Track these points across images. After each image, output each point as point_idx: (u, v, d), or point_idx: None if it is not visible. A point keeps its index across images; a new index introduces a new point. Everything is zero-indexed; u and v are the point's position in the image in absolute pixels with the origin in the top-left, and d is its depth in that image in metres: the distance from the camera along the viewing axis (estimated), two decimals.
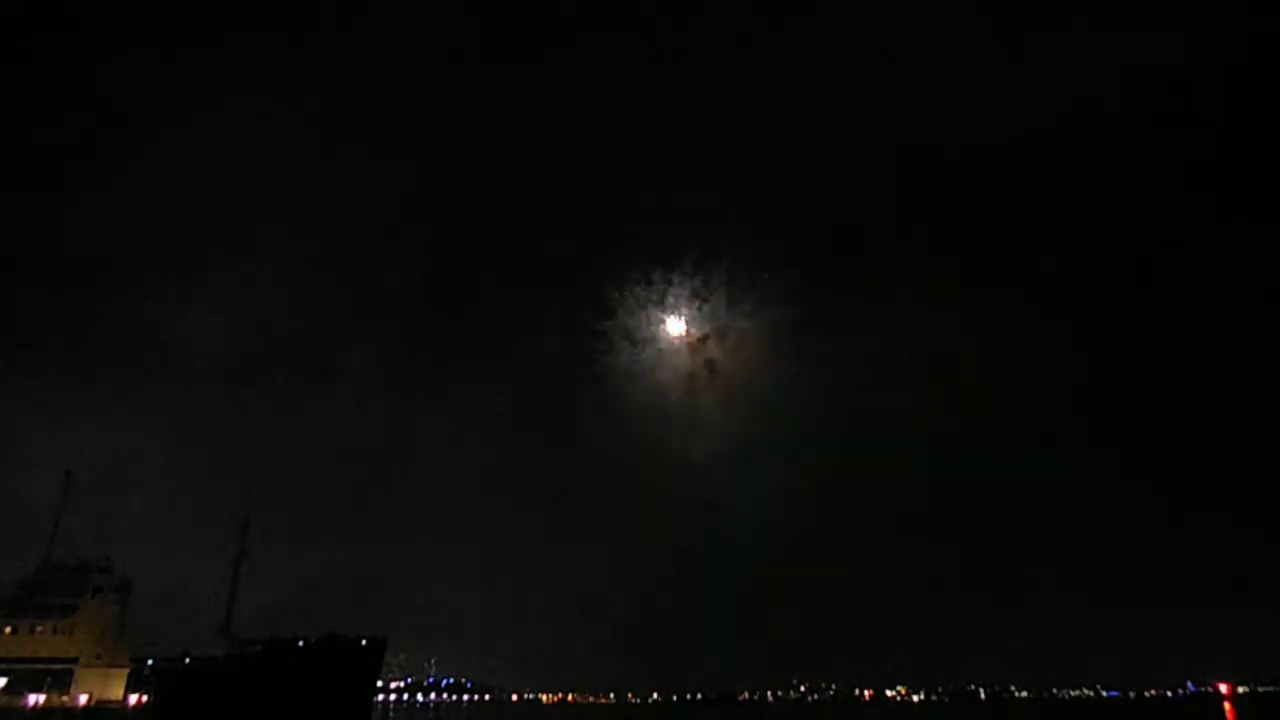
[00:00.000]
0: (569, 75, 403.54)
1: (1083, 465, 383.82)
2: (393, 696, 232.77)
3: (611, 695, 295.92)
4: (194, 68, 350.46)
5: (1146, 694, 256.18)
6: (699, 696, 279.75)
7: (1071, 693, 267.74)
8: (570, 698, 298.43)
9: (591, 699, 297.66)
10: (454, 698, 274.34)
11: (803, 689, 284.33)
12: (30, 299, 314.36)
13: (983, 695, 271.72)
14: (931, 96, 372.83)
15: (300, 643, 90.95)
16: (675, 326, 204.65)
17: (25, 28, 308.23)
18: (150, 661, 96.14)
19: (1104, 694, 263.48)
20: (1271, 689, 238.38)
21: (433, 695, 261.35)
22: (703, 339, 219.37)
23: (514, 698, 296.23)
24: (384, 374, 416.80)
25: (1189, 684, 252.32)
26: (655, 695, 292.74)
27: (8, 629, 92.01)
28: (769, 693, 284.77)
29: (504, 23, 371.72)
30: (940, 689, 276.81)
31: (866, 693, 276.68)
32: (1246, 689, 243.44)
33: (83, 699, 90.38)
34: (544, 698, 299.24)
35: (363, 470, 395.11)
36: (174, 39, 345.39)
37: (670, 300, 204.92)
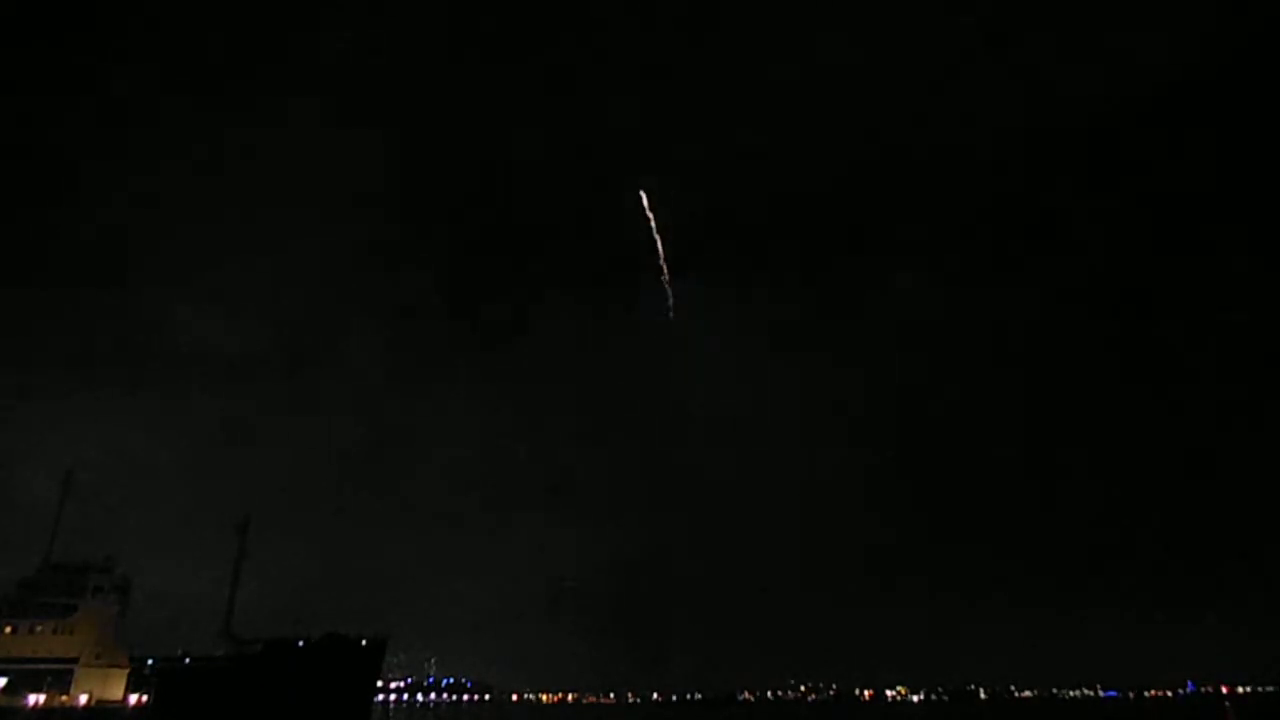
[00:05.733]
0: (573, 75, 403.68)
1: (1082, 468, 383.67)
2: (393, 696, 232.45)
3: (611, 695, 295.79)
4: (199, 70, 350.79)
5: (1146, 694, 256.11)
6: (699, 696, 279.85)
7: (1071, 693, 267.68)
8: (570, 697, 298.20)
9: (591, 699, 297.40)
10: (454, 698, 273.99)
11: (803, 689, 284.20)
12: (31, 299, 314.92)
13: (983, 695, 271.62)
14: (932, 96, 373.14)
15: (300, 643, 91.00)
16: (679, 324, 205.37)
17: (34, 28, 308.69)
18: (150, 661, 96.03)
19: (1103, 694, 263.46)
20: (1271, 689, 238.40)
21: (433, 695, 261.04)
22: (708, 336, 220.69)
23: (514, 698, 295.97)
24: (384, 375, 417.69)
25: (1189, 684, 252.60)
26: (655, 695, 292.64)
27: (8, 629, 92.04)
28: (769, 693, 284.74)
29: (508, 23, 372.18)
30: (940, 689, 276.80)
31: (866, 693, 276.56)
32: (1246, 689, 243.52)
33: (83, 699, 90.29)
34: (544, 698, 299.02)
35: (363, 471, 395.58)
36: (178, 42, 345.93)
37: (676, 297, 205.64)
